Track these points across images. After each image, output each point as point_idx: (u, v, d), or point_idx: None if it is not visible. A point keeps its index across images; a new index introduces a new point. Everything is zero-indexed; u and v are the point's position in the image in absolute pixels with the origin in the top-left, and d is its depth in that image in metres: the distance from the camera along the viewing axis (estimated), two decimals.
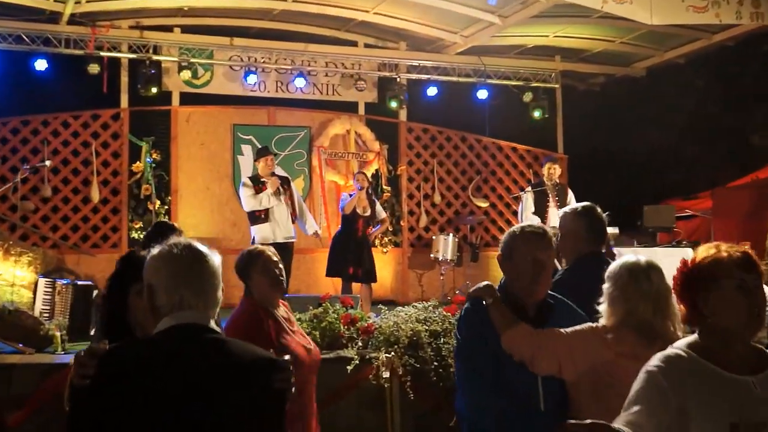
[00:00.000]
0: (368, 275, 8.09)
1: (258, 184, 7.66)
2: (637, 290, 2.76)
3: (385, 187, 10.89)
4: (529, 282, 2.96)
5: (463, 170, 11.46)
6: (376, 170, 10.95)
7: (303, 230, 7.95)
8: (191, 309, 2.15)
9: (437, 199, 11.22)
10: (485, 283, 3.16)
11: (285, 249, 7.48)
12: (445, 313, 5.70)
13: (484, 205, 11.42)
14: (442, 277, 10.58)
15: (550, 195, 8.48)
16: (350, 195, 8.34)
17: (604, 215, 3.30)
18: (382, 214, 8.53)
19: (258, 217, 7.59)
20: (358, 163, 10.91)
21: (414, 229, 11.17)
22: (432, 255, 10.34)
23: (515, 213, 10.90)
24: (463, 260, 10.86)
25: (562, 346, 2.79)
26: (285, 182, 7.84)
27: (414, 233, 11.19)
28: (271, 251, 3.72)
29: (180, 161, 10.11)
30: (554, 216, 8.39)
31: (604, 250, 3.62)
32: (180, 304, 2.15)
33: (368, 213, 8.29)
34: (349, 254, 8.11)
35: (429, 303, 5.72)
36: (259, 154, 7.91)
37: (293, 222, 7.78)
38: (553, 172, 8.45)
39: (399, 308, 5.76)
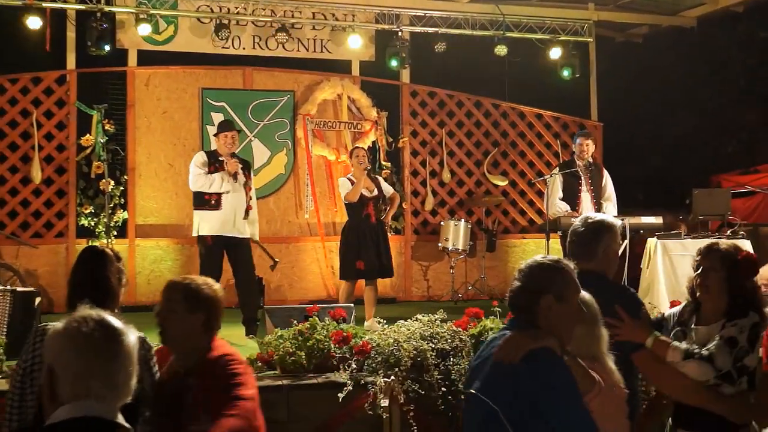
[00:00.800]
0: (387, 269, 8.12)
1: (214, 161, 7.67)
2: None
3: (384, 162, 10.91)
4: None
5: (478, 142, 11.54)
6: (373, 143, 10.96)
7: (245, 228, 7.90)
8: (98, 400, 2.07)
9: (446, 176, 11.32)
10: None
11: (236, 246, 7.66)
12: (455, 328, 5.68)
13: (502, 183, 11.51)
14: (452, 271, 10.69)
15: (582, 177, 8.45)
16: (349, 178, 8.32)
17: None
18: (390, 190, 8.51)
19: (206, 201, 7.64)
20: (351, 134, 10.92)
21: (419, 213, 11.27)
22: (440, 244, 10.49)
23: (540, 193, 10.91)
24: (476, 250, 10.97)
25: None
26: (246, 168, 7.88)
27: (419, 218, 11.27)
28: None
29: (138, 133, 10.18)
30: (587, 203, 8.39)
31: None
32: (86, 393, 2.07)
33: (375, 192, 8.28)
34: (363, 247, 8.05)
35: (436, 317, 5.69)
36: (220, 128, 7.92)
37: (245, 218, 7.79)
38: (585, 149, 8.40)
39: (400, 322, 5.74)
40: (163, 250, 10.18)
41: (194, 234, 7.71)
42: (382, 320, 5.91)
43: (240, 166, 7.73)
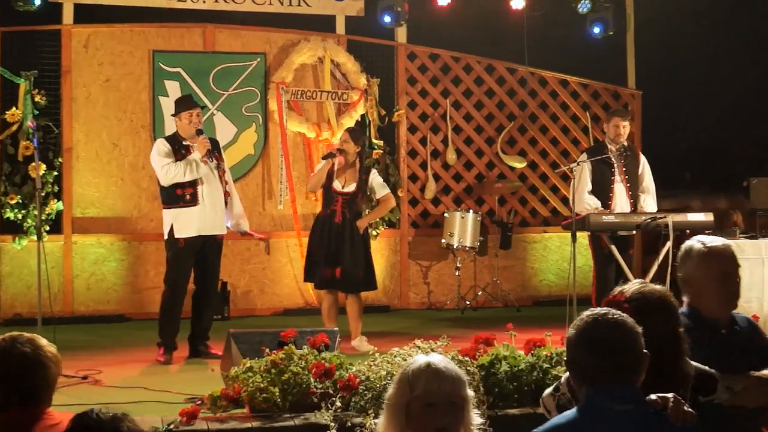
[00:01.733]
0: (348, 281, 8.09)
1: (179, 149, 7.70)
2: None
3: (375, 141, 10.93)
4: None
5: (490, 115, 11.57)
6: (362, 117, 10.97)
7: (226, 222, 7.99)
8: None
9: (451, 157, 11.33)
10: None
11: (213, 246, 7.79)
12: (461, 357, 5.71)
13: (519, 165, 11.57)
14: (458, 273, 10.79)
15: (615, 165, 8.45)
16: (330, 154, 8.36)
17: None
18: (381, 191, 8.44)
19: (179, 197, 7.66)
20: (335, 106, 10.94)
21: (417, 202, 11.27)
22: (444, 240, 10.59)
23: (565, 178, 10.91)
24: (488, 247, 11.05)
25: None
26: (215, 147, 7.94)
27: (417, 208, 11.29)
28: None
29: (75, 106, 10.15)
30: (621, 196, 8.41)
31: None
32: None
33: (352, 188, 8.25)
34: (323, 249, 8.13)
35: (440, 342, 5.70)
36: (181, 106, 7.89)
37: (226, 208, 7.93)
38: (622, 131, 8.39)
39: (394, 350, 5.74)
40: (106, 249, 10.20)
41: (166, 236, 7.73)
42: (373, 348, 5.90)
43: (209, 144, 7.76)
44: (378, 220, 10.29)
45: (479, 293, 10.88)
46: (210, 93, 10.44)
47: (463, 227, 10.40)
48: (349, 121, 10.70)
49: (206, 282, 7.85)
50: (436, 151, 11.36)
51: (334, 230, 8.09)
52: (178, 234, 7.62)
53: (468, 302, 10.68)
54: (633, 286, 3.43)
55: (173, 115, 7.88)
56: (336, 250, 8.04)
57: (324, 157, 8.31)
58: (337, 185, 8.18)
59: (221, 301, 9.70)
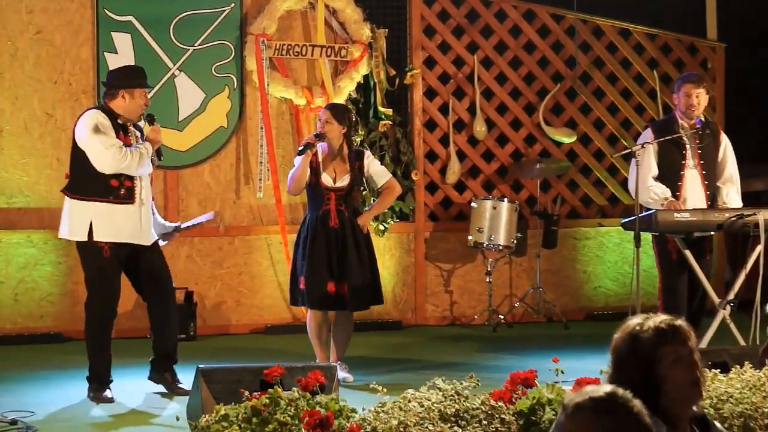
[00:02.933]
0: (357, 297, 8.16)
1: (116, 128, 7.73)
2: None
3: (382, 109, 10.89)
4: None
5: (529, 75, 11.54)
6: (365, 78, 10.93)
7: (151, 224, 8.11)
8: None
9: (480, 130, 11.29)
10: None
11: (148, 252, 7.90)
12: (493, 402, 5.75)
13: (567, 140, 11.57)
14: (488, 279, 10.82)
15: (687, 145, 8.41)
16: (301, 153, 8.30)
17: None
18: (383, 177, 8.46)
19: (112, 189, 7.70)
20: (331, 64, 10.86)
21: (437, 188, 11.25)
22: (470, 237, 10.62)
23: (628, 157, 10.71)
24: (527, 245, 11.08)
25: None
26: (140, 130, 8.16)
27: (437, 195, 11.26)
28: None
29: None
30: (694, 185, 8.36)
31: None
32: None
33: (345, 181, 8.26)
34: (322, 262, 8.15)
35: (466, 383, 5.74)
36: (135, 80, 7.92)
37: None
38: (695, 102, 8.30)
39: (409, 393, 5.76)
40: (38, 249, 10.21)
41: (76, 238, 7.74)
42: (380, 386, 5.86)
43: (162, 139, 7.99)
44: (386, 212, 10.29)
45: (516, 305, 10.89)
46: (170, 48, 10.47)
47: (495, 220, 10.40)
48: (349, 84, 10.70)
49: (156, 290, 7.89)
50: (460, 122, 11.27)
51: (333, 236, 8.13)
52: (101, 237, 7.61)
53: (502, 317, 10.71)
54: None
55: (119, 88, 7.78)
56: (340, 262, 8.10)
57: (300, 152, 8.21)
58: (326, 180, 8.18)
59: (186, 316, 9.82)
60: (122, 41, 10.28)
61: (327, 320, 8.31)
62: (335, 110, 8.37)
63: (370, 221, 8.69)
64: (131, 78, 7.87)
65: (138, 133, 7.82)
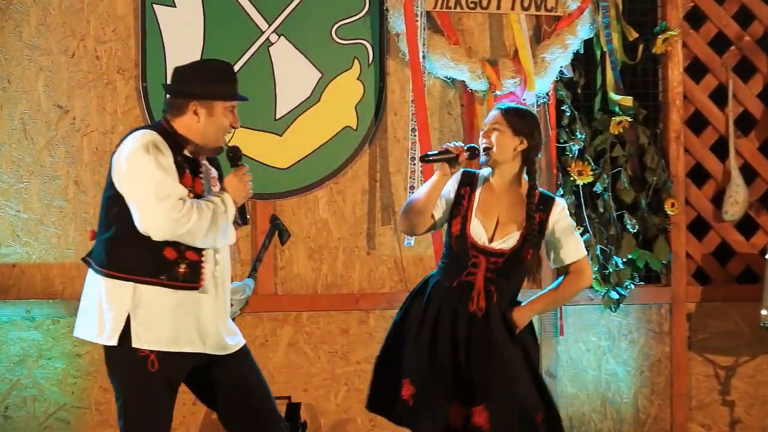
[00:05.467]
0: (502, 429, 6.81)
1: (182, 164, 6.08)
2: None
3: (616, 97, 8.76)
4: None
5: None
6: (587, 44, 8.73)
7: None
8: None
9: None
10: None
11: (232, 361, 6.50)
12: None
13: None
14: None
15: None
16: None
17: None
18: (572, 252, 6.72)
19: (168, 264, 6.14)
20: (529, 22, 8.75)
21: (708, 228, 9.20)
22: (765, 312, 8.54)
23: None
24: None
25: None
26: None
27: (707, 240, 9.18)
28: None
29: None
30: None
31: None
32: None
33: (510, 241, 6.57)
34: (442, 361, 6.69)
35: None
36: (216, 85, 6.20)
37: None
38: None
39: None
40: (43, 332, 8.31)
41: (102, 340, 6.03)
42: None
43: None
44: (622, 268, 8.64)
45: None
46: (263, 2, 8.49)
47: None
48: (560, 56, 8.52)
49: (255, 408, 6.44)
50: (747, 118, 9.00)
51: (468, 328, 6.47)
52: (143, 342, 5.94)
53: None
54: None
55: (189, 97, 6.08)
56: (469, 369, 6.53)
57: (425, 158, 6.58)
58: (477, 232, 6.48)
59: None
60: (168, 16, 8.24)
61: None
62: (512, 114, 6.56)
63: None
64: (211, 81, 6.19)
65: (215, 174, 6.34)
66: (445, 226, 6.47)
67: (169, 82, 6.33)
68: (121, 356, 5.97)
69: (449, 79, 8.49)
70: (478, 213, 6.31)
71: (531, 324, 6.57)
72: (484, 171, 6.47)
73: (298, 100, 8.32)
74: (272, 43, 8.32)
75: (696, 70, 8.97)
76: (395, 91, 8.49)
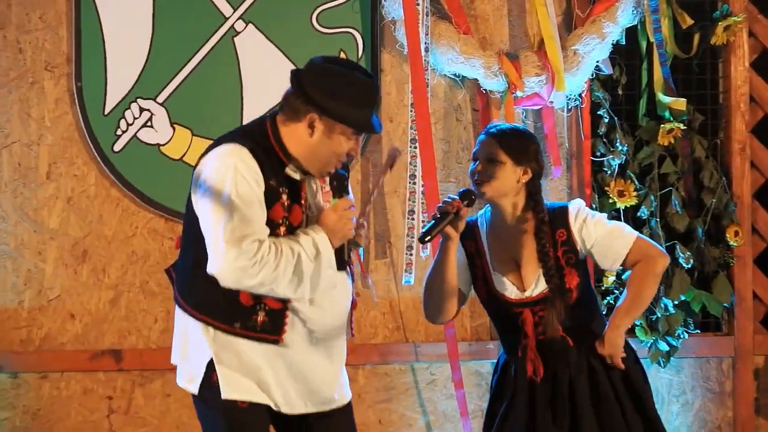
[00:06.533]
0: None
1: (279, 185, 5.49)
2: None
3: (666, 99, 8.32)
4: None
5: None
6: (629, 34, 8.45)
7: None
8: None
9: None
10: None
11: (333, 417, 5.85)
12: None
13: None
14: None
15: None
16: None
17: None
18: (616, 246, 6.24)
19: (244, 311, 5.56)
20: (558, 6, 8.54)
21: None
22: None
23: None
24: None
25: None
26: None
27: None
28: None
29: None
30: None
31: None
32: None
33: (540, 287, 6.07)
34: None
35: None
36: (334, 99, 5.45)
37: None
38: None
39: None
40: None
41: (193, 387, 5.60)
42: None
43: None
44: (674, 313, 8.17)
45: None
46: None
47: None
48: (597, 47, 7.89)
49: None
50: None
51: (525, 394, 5.88)
52: (230, 392, 5.45)
53: None
54: None
55: (312, 106, 5.30)
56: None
57: (425, 238, 5.68)
58: (504, 288, 5.92)
59: None
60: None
61: None
62: (509, 140, 5.95)
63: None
64: (346, 99, 5.35)
65: (328, 187, 5.73)
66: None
67: (301, 68, 5.49)
68: (206, 399, 5.55)
69: (458, 77, 7.78)
70: (495, 266, 5.74)
71: (627, 344, 5.81)
72: (480, 214, 5.88)
73: (270, 102, 7.18)
74: (238, 32, 7.77)
75: (766, 65, 8.13)
76: (391, 92, 7.85)
